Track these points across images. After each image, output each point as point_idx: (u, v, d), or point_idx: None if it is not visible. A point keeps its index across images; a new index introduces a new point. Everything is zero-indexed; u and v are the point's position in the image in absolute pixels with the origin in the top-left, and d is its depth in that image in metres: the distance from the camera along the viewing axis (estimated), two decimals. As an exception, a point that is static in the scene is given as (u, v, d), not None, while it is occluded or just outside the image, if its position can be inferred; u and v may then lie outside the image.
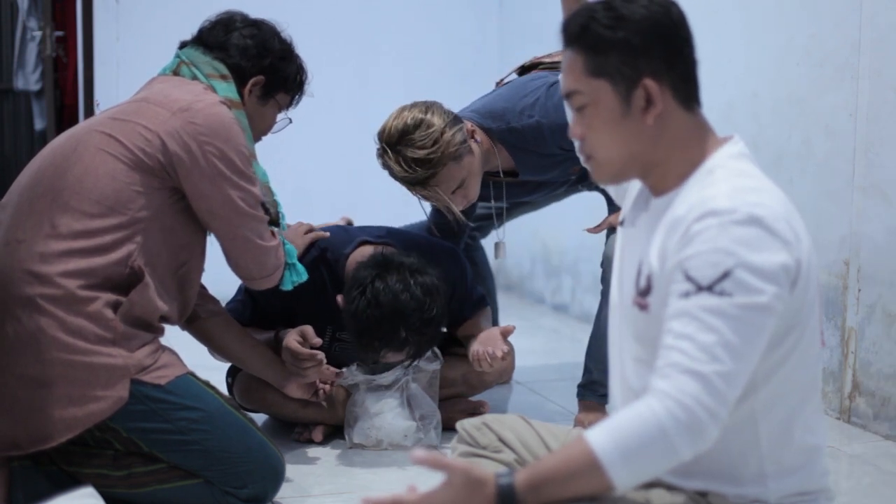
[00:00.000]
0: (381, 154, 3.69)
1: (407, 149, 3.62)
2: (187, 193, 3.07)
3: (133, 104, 3.15)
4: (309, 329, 3.53)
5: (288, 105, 3.46)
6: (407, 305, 3.44)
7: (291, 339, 3.50)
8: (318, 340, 3.51)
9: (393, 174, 3.70)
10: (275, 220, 3.33)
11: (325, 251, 3.75)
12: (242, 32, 3.32)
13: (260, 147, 3.38)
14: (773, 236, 1.97)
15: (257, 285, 3.34)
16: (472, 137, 3.74)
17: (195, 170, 3.04)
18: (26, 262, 2.92)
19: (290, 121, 3.51)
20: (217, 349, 3.53)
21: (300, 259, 3.54)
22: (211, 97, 3.15)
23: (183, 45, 3.35)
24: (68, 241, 2.93)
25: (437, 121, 3.64)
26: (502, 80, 4.11)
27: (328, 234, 3.79)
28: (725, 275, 1.94)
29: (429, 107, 3.69)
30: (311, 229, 3.77)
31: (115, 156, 3.01)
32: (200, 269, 3.24)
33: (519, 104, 3.81)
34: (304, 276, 3.43)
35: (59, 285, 2.89)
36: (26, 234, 2.95)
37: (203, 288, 3.37)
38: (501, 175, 3.93)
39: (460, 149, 3.66)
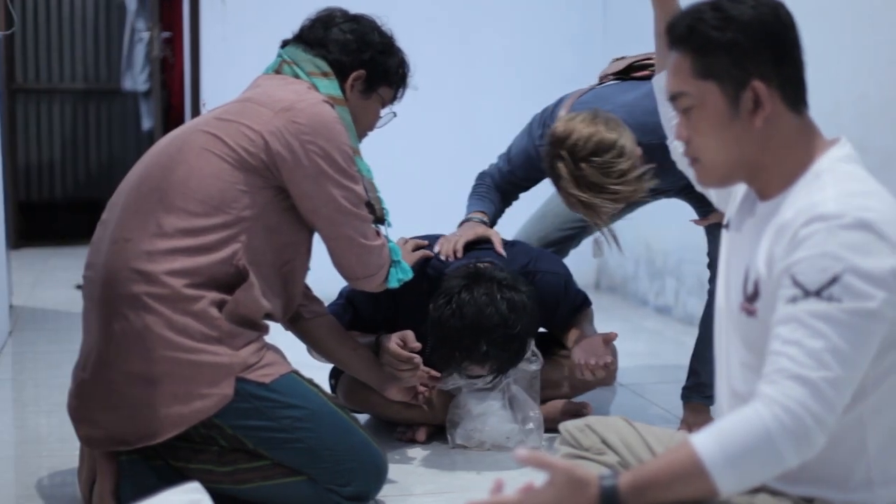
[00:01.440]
0: (555, 157, 3.45)
1: (591, 170, 3.39)
2: (291, 192, 3.09)
3: (237, 104, 3.18)
4: (409, 333, 3.53)
5: (392, 99, 3.45)
6: (490, 319, 3.42)
7: (391, 342, 3.51)
8: (417, 345, 3.51)
9: (559, 182, 3.47)
10: (379, 218, 3.34)
11: (427, 264, 3.75)
12: (342, 27, 3.33)
13: (363, 144, 3.39)
14: (882, 241, 1.94)
15: (361, 285, 3.35)
16: None
17: (298, 169, 3.07)
18: (133, 261, 2.96)
19: (395, 115, 3.50)
20: (319, 350, 3.55)
21: None
22: (314, 96, 3.17)
23: (285, 44, 3.37)
24: (174, 240, 2.96)
25: (628, 146, 3.40)
26: (606, 74, 3.99)
27: (428, 246, 3.77)
28: (834, 280, 1.92)
29: (618, 126, 3.45)
30: (417, 246, 3.76)
31: (219, 155, 3.04)
32: (305, 268, 3.26)
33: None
34: (410, 274, 3.43)
35: (165, 284, 2.92)
36: (133, 233, 2.99)
37: (307, 289, 3.39)
38: None
39: (638, 180, 3.46)
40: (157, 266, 2.94)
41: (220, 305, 2.97)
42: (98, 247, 3.08)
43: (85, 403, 3.03)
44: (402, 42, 3.43)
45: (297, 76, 3.26)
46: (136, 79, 8.14)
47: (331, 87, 3.26)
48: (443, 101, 6.28)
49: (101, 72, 9.07)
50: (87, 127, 9.08)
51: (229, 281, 3.00)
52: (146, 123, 8.15)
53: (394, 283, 3.38)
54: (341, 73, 3.30)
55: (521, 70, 6.51)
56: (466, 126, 6.44)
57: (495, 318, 3.42)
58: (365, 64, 3.32)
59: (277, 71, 3.30)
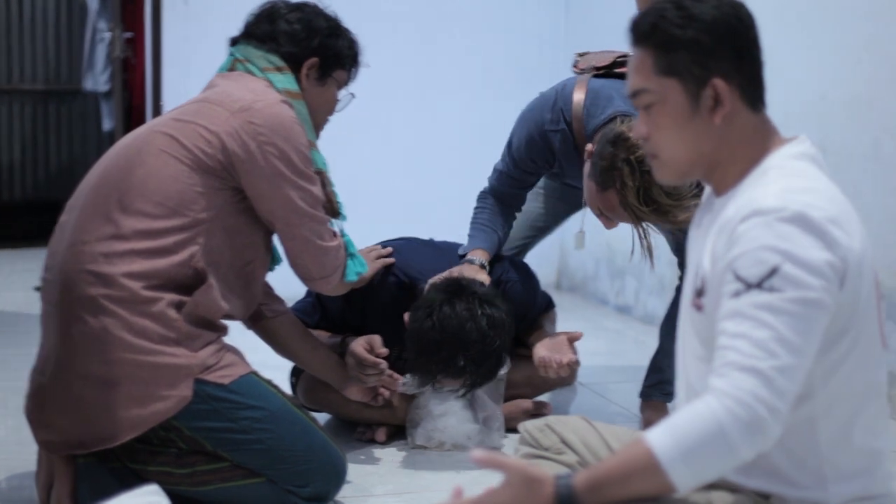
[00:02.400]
0: (617, 158, 3.38)
1: (655, 187, 3.33)
2: (247, 193, 3.08)
3: (194, 105, 3.17)
4: (377, 338, 3.53)
5: (347, 81, 3.44)
6: (470, 334, 3.43)
7: (359, 345, 3.51)
8: (384, 350, 3.51)
9: (615, 183, 3.41)
10: (335, 212, 3.33)
11: (399, 273, 3.76)
12: (287, 18, 3.31)
13: (324, 135, 3.39)
14: (816, 235, 1.97)
15: (317, 286, 3.35)
16: None
17: (255, 170, 3.06)
18: (90, 263, 2.94)
19: (353, 96, 3.49)
20: (280, 349, 3.53)
21: (372, 282, 3.60)
22: (272, 96, 3.15)
23: (234, 42, 3.36)
24: (132, 242, 2.95)
25: None
26: (590, 66, 3.82)
27: (394, 259, 3.77)
28: (773, 271, 1.94)
29: None
30: (379, 255, 3.75)
31: (176, 157, 3.02)
32: (265, 267, 3.26)
33: None
34: (367, 268, 3.44)
35: (122, 286, 2.91)
36: (90, 236, 2.97)
37: (268, 287, 3.39)
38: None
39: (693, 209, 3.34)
40: (114, 268, 2.92)
41: (178, 307, 2.95)
42: (56, 249, 3.06)
43: (42, 407, 3.01)
44: (364, 40, 3.44)
45: (251, 73, 3.24)
46: (98, 79, 8.08)
47: (286, 81, 3.25)
48: (405, 99, 6.27)
49: (61, 72, 9.01)
50: (48, 128, 9.02)
51: (188, 283, 2.99)
52: (107, 124, 8.09)
53: (352, 277, 3.36)
54: (295, 65, 3.29)
55: (484, 67, 6.49)
56: (429, 123, 6.42)
57: (475, 333, 3.44)
58: (316, 51, 3.31)
59: (231, 69, 3.29)
